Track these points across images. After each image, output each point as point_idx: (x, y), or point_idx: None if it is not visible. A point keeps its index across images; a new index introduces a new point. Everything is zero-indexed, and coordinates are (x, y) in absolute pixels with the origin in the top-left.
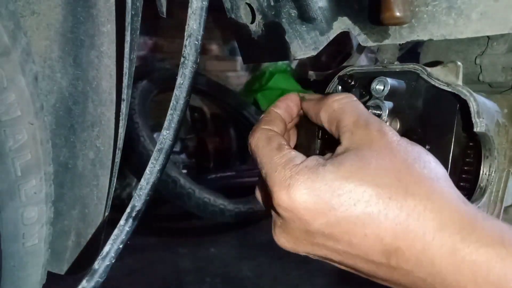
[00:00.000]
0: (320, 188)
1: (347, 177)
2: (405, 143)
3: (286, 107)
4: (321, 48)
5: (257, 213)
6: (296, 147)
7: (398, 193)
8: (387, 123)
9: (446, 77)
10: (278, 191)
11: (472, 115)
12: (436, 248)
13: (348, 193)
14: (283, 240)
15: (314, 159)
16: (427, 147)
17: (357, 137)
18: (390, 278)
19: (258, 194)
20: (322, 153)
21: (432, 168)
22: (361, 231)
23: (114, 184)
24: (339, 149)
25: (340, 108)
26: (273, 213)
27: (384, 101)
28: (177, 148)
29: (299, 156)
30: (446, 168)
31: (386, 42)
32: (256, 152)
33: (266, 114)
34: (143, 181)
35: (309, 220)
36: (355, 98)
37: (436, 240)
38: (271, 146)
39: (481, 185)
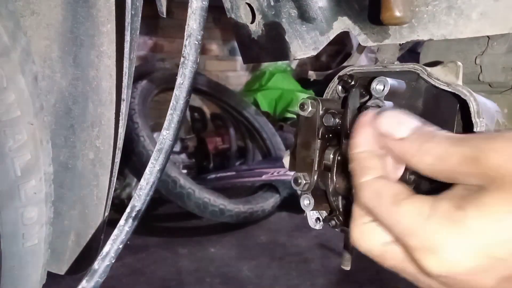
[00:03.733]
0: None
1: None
2: None
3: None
4: (321, 48)
5: (257, 213)
6: (296, 147)
7: None
8: None
9: (446, 77)
10: (425, 255)
11: (472, 115)
12: None
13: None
14: None
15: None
16: None
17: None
18: None
19: None
20: (321, 152)
21: None
22: None
23: (114, 184)
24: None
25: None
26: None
27: (384, 101)
28: (177, 148)
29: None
30: None
31: (386, 42)
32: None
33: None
34: (143, 181)
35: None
36: None
37: None
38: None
39: None
